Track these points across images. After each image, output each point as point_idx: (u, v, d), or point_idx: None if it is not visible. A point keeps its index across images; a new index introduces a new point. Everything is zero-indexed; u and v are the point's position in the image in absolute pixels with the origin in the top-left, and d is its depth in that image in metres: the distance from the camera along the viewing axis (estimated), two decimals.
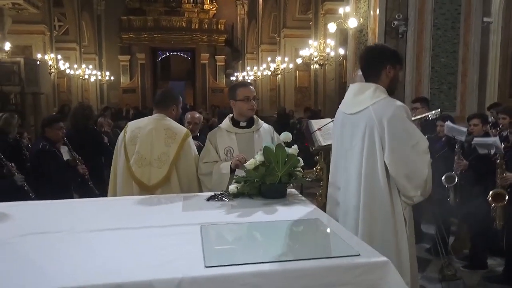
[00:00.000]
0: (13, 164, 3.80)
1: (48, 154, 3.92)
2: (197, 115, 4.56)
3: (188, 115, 4.52)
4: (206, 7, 26.51)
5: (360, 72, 2.97)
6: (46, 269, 1.44)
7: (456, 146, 4.16)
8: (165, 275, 1.39)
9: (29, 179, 3.91)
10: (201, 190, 2.91)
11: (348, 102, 2.37)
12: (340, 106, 2.44)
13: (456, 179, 4.07)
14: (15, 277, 1.39)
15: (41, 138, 4.18)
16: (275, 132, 3.07)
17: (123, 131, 3.02)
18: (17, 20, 12.44)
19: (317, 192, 4.53)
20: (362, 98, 2.28)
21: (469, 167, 4.12)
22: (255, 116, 3.03)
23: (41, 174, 3.96)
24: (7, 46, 10.61)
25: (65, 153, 4.31)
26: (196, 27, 26.05)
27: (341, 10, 8.07)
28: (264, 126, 3.06)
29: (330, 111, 11.33)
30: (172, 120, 3.00)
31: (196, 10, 26.43)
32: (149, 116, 3.05)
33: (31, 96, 12.41)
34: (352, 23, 7.56)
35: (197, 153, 3.05)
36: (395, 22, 6.86)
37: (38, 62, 13.10)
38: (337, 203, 2.41)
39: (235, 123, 2.99)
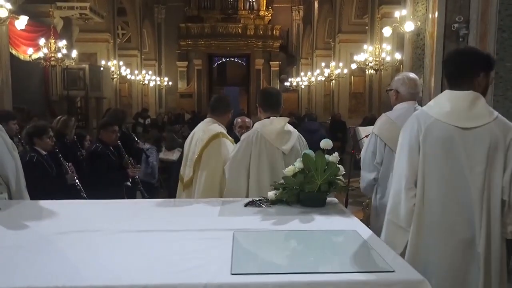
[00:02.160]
0: (70, 164, 4.02)
1: (99, 155, 4.11)
2: (247, 119, 4.53)
3: (239, 120, 4.49)
4: (261, 13, 26.75)
5: (418, 81, 2.81)
6: (78, 266, 1.50)
7: None
8: (190, 279, 1.39)
9: (84, 178, 4.12)
10: (216, 195, 2.90)
11: (462, 114, 2.00)
12: (438, 116, 2.03)
13: None
14: (50, 272, 1.45)
15: (96, 140, 4.41)
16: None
17: None
18: (83, 29, 13.25)
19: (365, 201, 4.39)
20: (478, 111, 2.00)
21: None
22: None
23: (93, 174, 4.14)
24: (74, 53, 11.30)
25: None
26: (252, 33, 26.34)
27: (397, 14, 7.79)
28: None
29: None
30: (219, 124, 3.09)
31: (252, 16, 26.75)
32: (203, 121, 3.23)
33: (95, 100, 13.18)
34: (409, 26, 7.27)
35: (226, 158, 2.96)
36: (456, 25, 6.50)
37: (101, 68, 13.87)
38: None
39: None
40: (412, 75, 2.89)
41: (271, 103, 2.96)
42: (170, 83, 24.93)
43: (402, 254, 1.98)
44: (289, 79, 24.77)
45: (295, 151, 2.83)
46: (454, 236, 1.99)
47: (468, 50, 2.31)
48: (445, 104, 2.06)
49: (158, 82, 23.04)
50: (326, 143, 2.37)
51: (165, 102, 24.97)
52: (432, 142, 2.02)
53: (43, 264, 1.52)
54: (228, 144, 3.03)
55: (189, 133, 3.55)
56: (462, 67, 2.07)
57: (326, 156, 2.32)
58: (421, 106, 2.55)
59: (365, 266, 1.48)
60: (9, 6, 7.03)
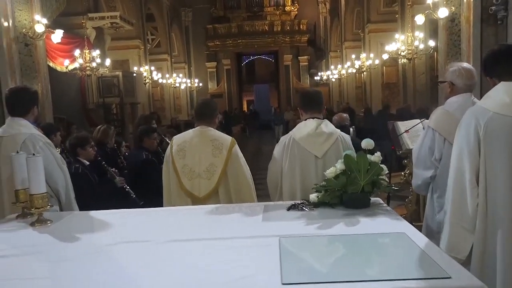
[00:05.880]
0: (114, 169, 4.15)
1: (151, 163, 4.18)
2: (345, 115, 4.85)
3: (336, 117, 4.91)
4: (287, 8, 26.58)
5: (474, 71, 2.67)
6: (129, 278, 1.54)
7: None
8: None
9: (136, 187, 4.18)
10: (252, 199, 2.89)
11: None
12: (497, 109, 1.95)
13: None
14: (102, 285, 1.50)
15: (142, 148, 4.41)
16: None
17: (169, 145, 3.04)
18: (115, 37, 13.59)
19: (406, 196, 4.29)
20: None
21: None
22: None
23: (148, 182, 4.10)
24: (108, 62, 11.61)
25: None
26: (279, 29, 26.23)
27: (429, 0, 7.54)
28: None
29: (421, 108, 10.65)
30: (215, 130, 3.01)
31: (278, 12, 26.64)
32: (193, 129, 3.03)
33: (129, 106, 13.50)
34: (443, 12, 7.02)
35: (244, 159, 2.99)
36: (493, 8, 6.22)
37: (134, 74, 14.19)
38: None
39: None
40: (467, 65, 2.72)
41: (310, 104, 2.88)
42: (201, 84, 25.21)
43: (468, 259, 1.93)
44: (319, 73, 24.51)
45: (334, 153, 2.72)
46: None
47: None
48: (503, 96, 1.97)
49: (189, 84, 23.33)
50: (367, 143, 2.33)
51: (197, 103, 25.27)
52: (494, 138, 1.93)
53: (96, 277, 1.57)
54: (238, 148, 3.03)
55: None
56: None
57: (368, 156, 2.28)
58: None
59: (418, 272, 1.43)
60: (45, 21, 7.30)
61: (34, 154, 2.33)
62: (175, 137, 3.10)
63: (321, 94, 2.98)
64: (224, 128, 17.51)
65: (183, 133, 3.11)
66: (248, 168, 3.02)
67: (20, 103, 2.89)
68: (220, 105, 25.24)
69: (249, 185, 2.92)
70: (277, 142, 2.96)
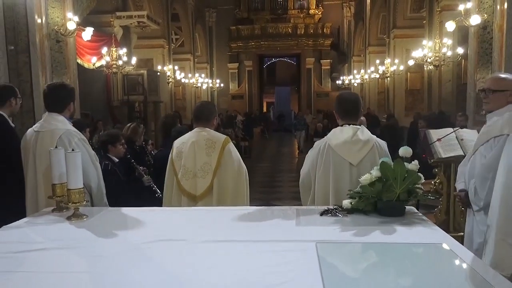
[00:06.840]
0: (143, 168, 4.21)
1: None
2: (362, 118, 4.88)
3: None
4: (311, 11, 26.52)
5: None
6: (166, 276, 1.56)
7: None
8: None
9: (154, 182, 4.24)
10: (243, 200, 2.93)
11: None
12: None
13: None
14: (141, 282, 1.51)
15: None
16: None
17: (171, 149, 3.11)
18: (140, 36, 13.77)
19: (434, 205, 4.22)
20: None
21: None
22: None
23: None
24: (134, 60, 11.76)
25: None
26: (302, 32, 26.20)
27: (461, 7, 7.40)
28: None
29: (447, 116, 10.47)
30: (211, 130, 3.06)
31: (301, 15, 26.60)
32: (191, 131, 3.11)
33: (153, 104, 13.66)
34: (475, 20, 6.89)
35: (239, 158, 3.05)
36: None
37: (158, 73, 14.34)
38: None
39: None
40: None
41: (347, 110, 2.80)
42: (222, 85, 25.36)
43: None
44: (341, 77, 24.36)
45: (370, 160, 2.65)
46: None
47: None
48: None
49: (210, 85, 23.48)
50: (405, 151, 2.30)
51: (217, 104, 25.43)
52: None
53: (134, 275, 1.59)
54: (233, 146, 3.10)
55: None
56: None
57: (405, 164, 2.25)
58: None
59: (465, 286, 1.40)
60: (76, 19, 7.45)
61: (73, 150, 2.37)
62: (175, 141, 3.16)
63: (360, 100, 2.88)
64: (245, 129, 17.58)
65: (182, 136, 3.17)
66: (244, 167, 3.06)
67: (58, 99, 2.95)
68: (241, 107, 25.43)
69: (239, 185, 2.97)
70: (298, 149, 2.91)
